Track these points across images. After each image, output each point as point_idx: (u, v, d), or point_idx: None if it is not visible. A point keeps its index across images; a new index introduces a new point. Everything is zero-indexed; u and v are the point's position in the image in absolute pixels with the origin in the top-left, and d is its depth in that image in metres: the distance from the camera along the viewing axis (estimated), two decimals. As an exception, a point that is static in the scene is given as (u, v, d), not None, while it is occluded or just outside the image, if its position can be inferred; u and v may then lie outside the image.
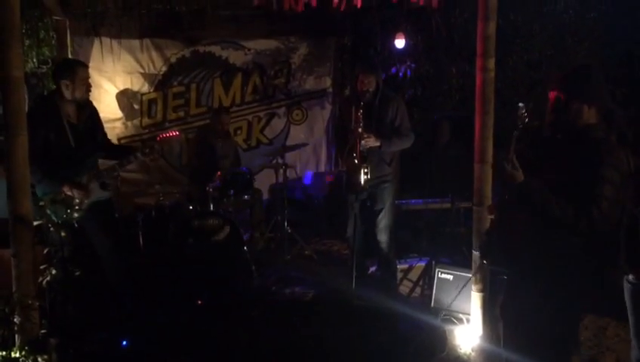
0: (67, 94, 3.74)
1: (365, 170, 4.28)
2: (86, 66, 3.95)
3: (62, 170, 3.71)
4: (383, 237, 4.65)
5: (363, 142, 4.25)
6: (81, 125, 3.87)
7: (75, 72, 3.75)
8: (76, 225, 3.67)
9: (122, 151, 4.27)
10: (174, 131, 4.30)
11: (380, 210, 4.61)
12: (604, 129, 2.38)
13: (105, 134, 4.19)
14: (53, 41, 5.71)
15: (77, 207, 3.70)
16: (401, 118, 4.50)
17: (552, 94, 2.48)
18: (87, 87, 3.84)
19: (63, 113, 3.77)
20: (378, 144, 4.33)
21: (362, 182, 4.28)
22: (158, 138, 4.16)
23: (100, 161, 4.06)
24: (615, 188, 2.25)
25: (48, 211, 3.59)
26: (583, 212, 2.24)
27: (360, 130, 4.25)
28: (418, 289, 4.60)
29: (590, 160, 2.29)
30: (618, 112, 2.44)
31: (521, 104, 2.42)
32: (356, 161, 4.28)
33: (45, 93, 5.64)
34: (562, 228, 2.31)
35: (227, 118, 5.82)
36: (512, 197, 2.45)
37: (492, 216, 2.68)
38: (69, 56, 5.67)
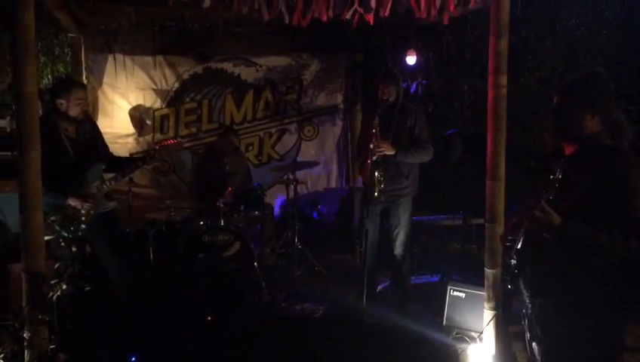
0: (62, 112, 3.81)
1: (380, 179, 4.21)
2: (83, 87, 4.01)
3: (65, 183, 3.75)
4: (398, 253, 4.58)
5: (375, 146, 4.20)
6: (80, 139, 3.93)
7: (71, 92, 3.80)
8: (81, 235, 3.70)
9: (124, 162, 4.33)
10: (173, 140, 4.49)
11: (396, 226, 4.55)
12: (611, 137, 2.31)
13: (107, 147, 4.25)
14: (67, 58, 5.81)
15: (84, 218, 3.73)
16: (420, 127, 4.44)
17: (555, 99, 2.43)
18: (83, 107, 3.88)
19: (61, 129, 3.83)
20: (393, 152, 4.27)
21: (376, 193, 4.23)
22: (157, 147, 4.28)
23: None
24: None
25: (57, 227, 3.61)
26: (628, 233, 2.10)
27: (376, 137, 4.21)
28: (430, 307, 4.55)
29: (606, 170, 2.20)
30: (625, 123, 2.36)
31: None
32: (369, 168, 4.23)
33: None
34: (612, 257, 2.19)
35: (234, 138, 5.87)
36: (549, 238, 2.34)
37: (508, 244, 2.59)
38: (84, 72, 5.76)
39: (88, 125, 4.05)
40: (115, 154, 4.38)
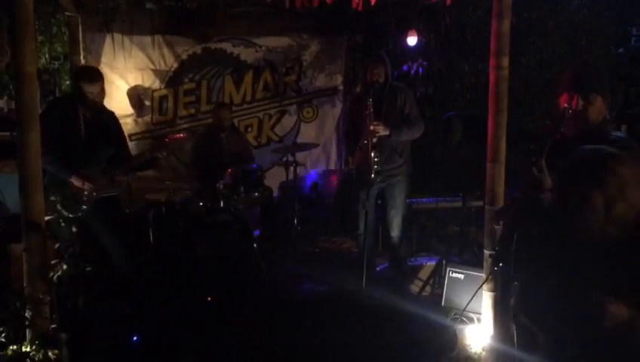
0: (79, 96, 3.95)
1: (376, 160, 4.24)
2: (95, 81, 3.99)
3: (71, 160, 3.83)
4: (394, 235, 4.63)
5: (372, 128, 4.22)
6: (94, 122, 4.03)
7: (82, 86, 3.92)
8: (80, 216, 3.75)
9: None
10: (181, 134, 4.62)
11: (392, 207, 4.58)
12: (615, 126, 2.37)
13: (126, 146, 4.47)
14: (65, 37, 5.73)
15: (84, 199, 3.76)
16: (410, 106, 4.51)
17: (566, 96, 2.42)
18: (95, 98, 3.97)
19: (80, 109, 3.95)
20: (387, 133, 4.31)
21: (373, 174, 4.25)
22: (167, 140, 4.44)
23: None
24: None
25: (59, 207, 3.63)
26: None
27: (370, 119, 4.23)
28: (428, 289, 4.58)
29: None
30: (616, 104, 2.44)
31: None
32: (368, 147, 4.24)
33: (57, 89, 5.83)
34: (592, 238, 2.23)
35: (225, 112, 5.74)
36: (533, 205, 2.38)
37: (502, 222, 2.61)
38: (81, 52, 5.69)
39: (107, 115, 4.21)
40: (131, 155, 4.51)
